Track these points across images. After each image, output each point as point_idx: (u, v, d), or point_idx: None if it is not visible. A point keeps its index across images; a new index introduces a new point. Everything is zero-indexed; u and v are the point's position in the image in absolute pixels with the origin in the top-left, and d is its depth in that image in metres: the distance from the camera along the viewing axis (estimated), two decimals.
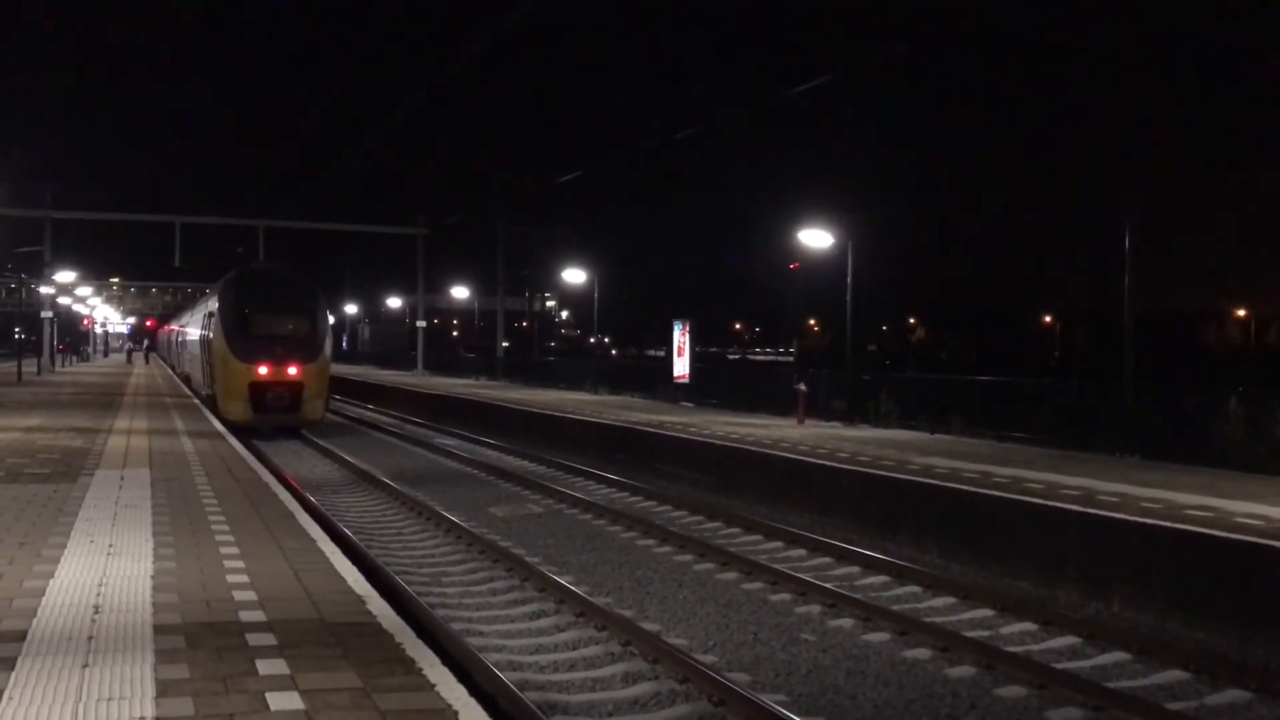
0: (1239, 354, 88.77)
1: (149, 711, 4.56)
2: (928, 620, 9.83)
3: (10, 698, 4.69)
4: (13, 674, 5.03)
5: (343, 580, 7.30)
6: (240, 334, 25.82)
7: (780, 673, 8.46)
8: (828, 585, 10.94)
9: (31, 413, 22.51)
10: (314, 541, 8.73)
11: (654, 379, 32.38)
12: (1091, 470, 14.37)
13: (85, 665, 5.20)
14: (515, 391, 36.30)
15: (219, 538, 8.67)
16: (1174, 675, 8.40)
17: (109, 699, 4.71)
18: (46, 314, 51.59)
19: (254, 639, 5.72)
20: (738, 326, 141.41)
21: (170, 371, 53.02)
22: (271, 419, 25.74)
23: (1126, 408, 16.70)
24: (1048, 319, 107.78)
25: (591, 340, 62.55)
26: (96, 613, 6.22)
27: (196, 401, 28.57)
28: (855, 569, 12.10)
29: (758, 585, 11.24)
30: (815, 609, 10.30)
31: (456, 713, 4.64)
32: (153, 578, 7.15)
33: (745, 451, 17.49)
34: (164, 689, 4.85)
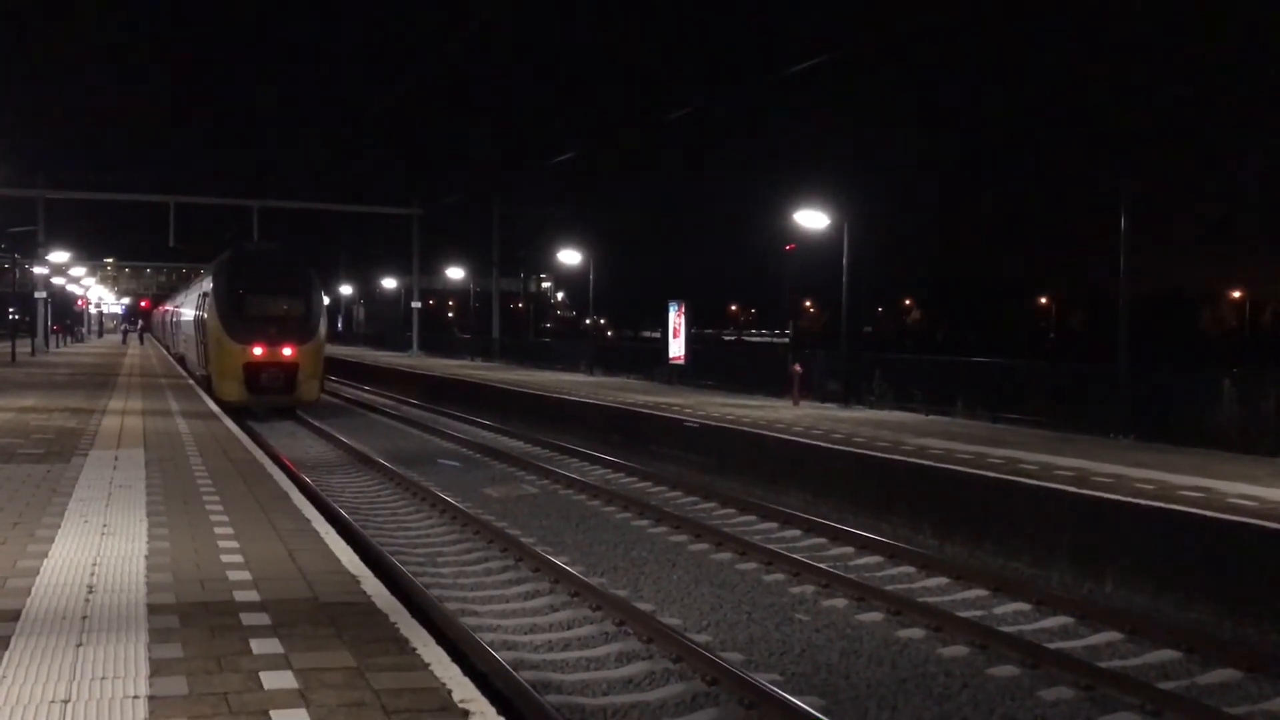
0: (1234, 336, 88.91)
1: (142, 690, 4.56)
2: (921, 600, 9.86)
3: (4, 676, 4.69)
4: (7, 653, 5.03)
5: (337, 560, 7.30)
6: (235, 315, 25.78)
7: (774, 652, 8.49)
8: (822, 565, 10.96)
9: (26, 393, 22.47)
10: (309, 522, 8.73)
11: (649, 360, 32.38)
12: (1086, 451, 14.40)
13: (79, 644, 5.20)
14: (510, 373, 36.28)
15: (213, 518, 8.67)
16: (1166, 655, 8.43)
17: (103, 678, 4.71)
18: (40, 294, 51.48)
19: (248, 619, 5.73)
20: (733, 308, 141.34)
21: (165, 352, 52.91)
22: (266, 400, 25.74)
23: (1121, 389, 16.72)
24: (1043, 300, 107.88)
25: (587, 321, 62.48)
26: (90, 592, 6.22)
27: (191, 382, 28.53)
28: (849, 549, 12.13)
29: (752, 565, 11.26)
30: (809, 589, 10.33)
31: (450, 691, 4.65)
32: (147, 558, 7.15)
33: (740, 433, 17.50)
34: (158, 668, 4.86)
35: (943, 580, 10.76)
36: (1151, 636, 8.79)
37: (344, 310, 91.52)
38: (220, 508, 9.15)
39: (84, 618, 5.68)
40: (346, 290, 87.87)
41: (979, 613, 9.62)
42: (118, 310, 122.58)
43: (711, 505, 14.86)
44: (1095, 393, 17.75)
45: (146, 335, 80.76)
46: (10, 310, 56.74)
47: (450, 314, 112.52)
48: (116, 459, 12.16)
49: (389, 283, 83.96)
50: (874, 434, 16.65)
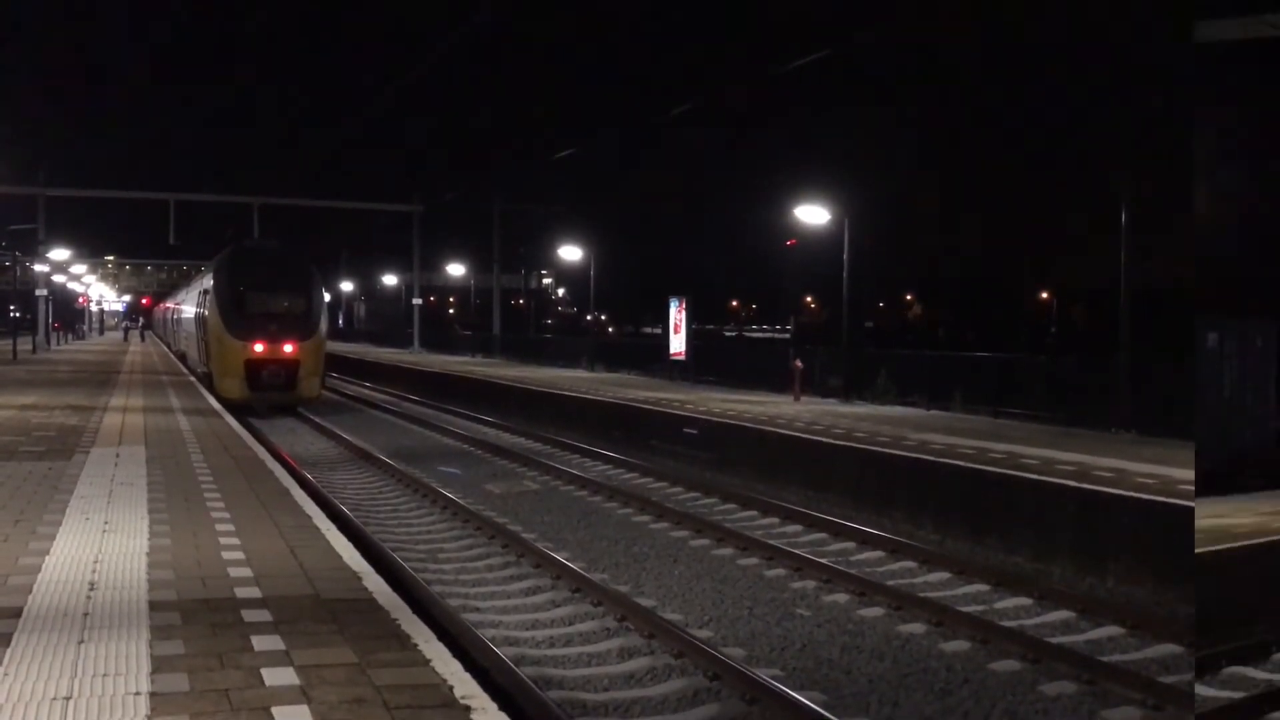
0: None
1: (144, 687, 4.57)
2: (922, 595, 9.86)
3: (6, 673, 4.70)
4: (8, 650, 5.03)
5: (339, 557, 7.31)
6: (236, 312, 25.81)
7: (775, 647, 8.49)
8: (823, 561, 10.97)
9: (27, 390, 22.48)
10: (310, 518, 8.73)
11: (650, 356, 32.39)
12: (1087, 446, 14.40)
13: (81, 641, 5.20)
14: (512, 369, 36.29)
15: (214, 515, 8.67)
16: (1167, 649, 8.44)
17: (104, 674, 4.71)
18: (41, 292, 51.49)
19: (249, 615, 5.73)
20: (734, 303, 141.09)
21: (166, 349, 52.95)
22: (267, 397, 25.74)
23: (1122, 384, 16.71)
24: (1044, 296, 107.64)
25: (588, 318, 62.37)
26: (92, 589, 6.22)
27: (192, 379, 28.56)
28: (850, 544, 12.13)
29: (753, 561, 11.27)
30: (810, 584, 10.33)
31: (452, 687, 4.65)
32: (148, 554, 7.16)
33: (741, 428, 17.50)
34: (159, 665, 4.86)
35: (944, 575, 10.76)
36: (1153, 631, 8.80)
37: (345, 307, 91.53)
38: (221, 504, 9.16)
39: (85, 615, 5.68)
40: (347, 287, 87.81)
41: (980, 607, 9.62)
42: (119, 308, 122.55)
43: (712, 501, 14.87)
44: (1096, 387, 17.75)
45: (147, 333, 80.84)
46: (11, 308, 56.72)
47: (451, 310, 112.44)
48: (118, 456, 12.17)
49: (390, 279, 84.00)
50: (875, 429, 16.65)
